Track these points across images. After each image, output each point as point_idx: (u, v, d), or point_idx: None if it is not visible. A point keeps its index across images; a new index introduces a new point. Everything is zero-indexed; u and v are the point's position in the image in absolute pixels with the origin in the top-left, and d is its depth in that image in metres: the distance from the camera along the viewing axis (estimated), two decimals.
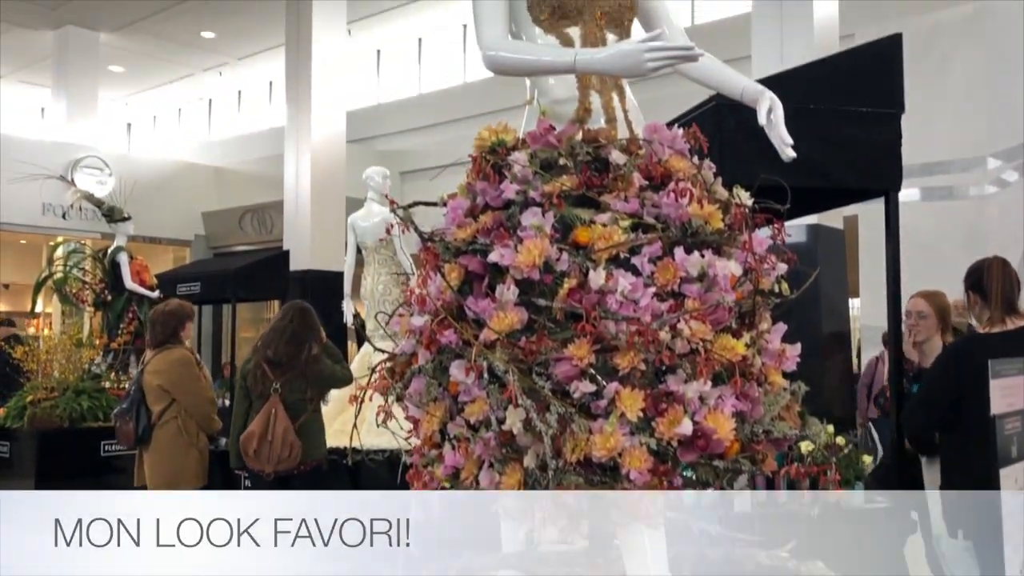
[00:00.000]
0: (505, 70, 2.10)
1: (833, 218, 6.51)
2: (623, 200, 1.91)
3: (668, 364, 1.74)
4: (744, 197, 2.07)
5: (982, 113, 6.91)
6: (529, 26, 2.18)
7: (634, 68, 1.94)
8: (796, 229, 6.25)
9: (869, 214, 6.78)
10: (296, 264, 9.98)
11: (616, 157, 1.94)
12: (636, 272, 1.84)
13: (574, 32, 2.16)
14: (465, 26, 14.21)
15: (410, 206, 2.09)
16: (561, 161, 1.96)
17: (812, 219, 6.14)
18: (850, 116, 3.71)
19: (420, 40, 15.05)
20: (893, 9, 9.37)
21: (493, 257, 1.87)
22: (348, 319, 6.95)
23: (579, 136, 2.05)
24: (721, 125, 3.53)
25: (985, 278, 3.17)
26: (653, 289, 1.80)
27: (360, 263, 6.91)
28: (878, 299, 5.65)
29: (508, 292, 1.83)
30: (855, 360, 7.61)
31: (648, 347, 1.71)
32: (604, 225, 1.87)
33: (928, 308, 4.14)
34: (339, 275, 7.26)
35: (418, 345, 1.97)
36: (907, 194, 6.15)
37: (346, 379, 4.64)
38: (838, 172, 3.71)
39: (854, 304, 8.17)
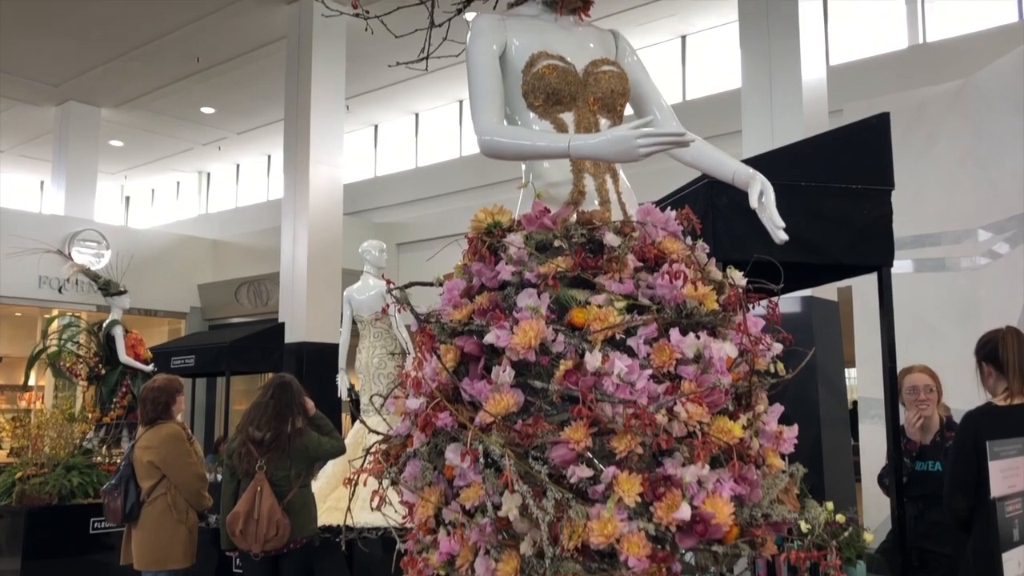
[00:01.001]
0: (501, 155, 2.13)
1: (827, 289, 6.54)
2: (618, 281, 1.92)
3: (665, 447, 1.73)
4: (738, 278, 2.09)
5: (971, 186, 7.00)
6: (524, 111, 2.22)
7: (627, 154, 1.97)
8: (790, 301, 6.28)
9: (863, 285, 6.81)
10: (291, 336, 9.96)
11: (610, 239, 1.96)
12: (632, 354, 1.84)
13: (568, 117, 2.20)
14: (461, 101, 14.47)
15: (406, 286, 2.10)
16: (556, 243, 1.98)
17: (806, 291, 6.16)
18: (841, 193, 3.75)
19: (417, 115, 15.30)
20: (880, 86, 9.59)
21: (489, 339, 1.87)
22: (343, 393, 6.91)
23: (574, 218, 2.07)
24: (714, 202, 3.57)
25: (1001, 349, 3.13)
26: (649, 371, 1.79)
27: (356, 336, 6.90)
28: (874, 370, 5.64)
29: (504, 374, 1.82)
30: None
31: (645, 430, 1.70)
32: (599, 306, 1.88)
33: (932, 381, 4.13)
34: (335, 347, 7.25)
35: (413, 427, 1.95)
36: (900, 266, 6.19)
37: (336, 450, 4.59)
38: (831, 249, 3.73)
39: (850, 374, 8.14)
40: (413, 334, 2.07)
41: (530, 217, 2.03)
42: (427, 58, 2.31)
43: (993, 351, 3.22)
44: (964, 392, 4.98)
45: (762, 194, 2.15)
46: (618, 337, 1.86)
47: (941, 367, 4.96)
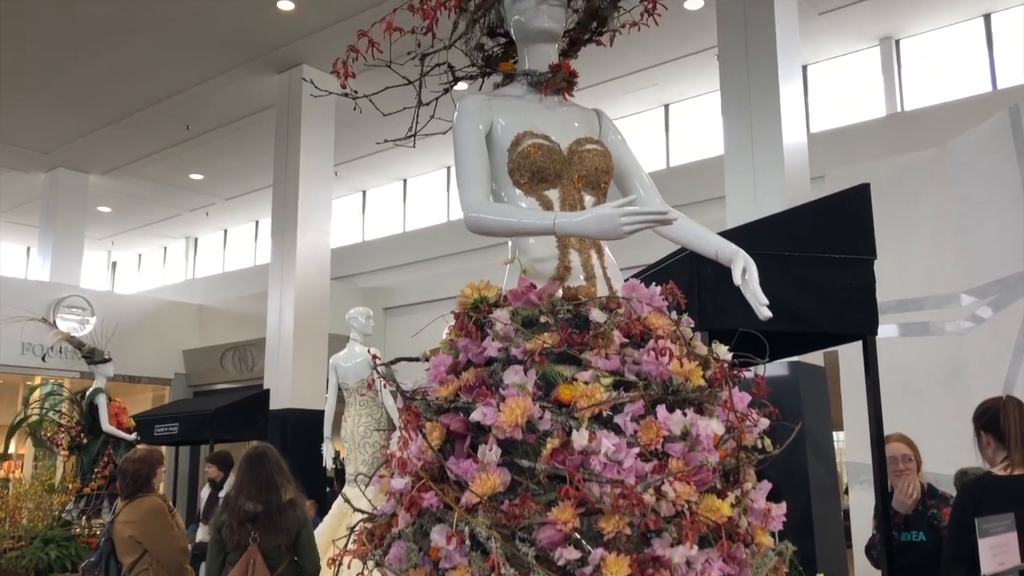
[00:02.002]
0: (487, 231, 2.15)
1: (814, 354, 6.56)
2: (604, 358, 1.92)
3: (654, 528, 1.71)
4: (723, 353, 2.09)
5: (952, 251, 7.09)
6: (510, 188, 2.25)
7: (611, 231, 2.00)
8: (777, 366, 6.29)
9: (849, 350, 6.84)
10: (277, 403, 9.87)
11: (596, 315, 1.97)
12: (619, 431, 1.83)
13: (553, 195, 2.23)
14: (448, 168, 14.62)
15: (392, 362, 2.09)
16: (543, 319, 1.98)
17: (793, 357, 6.18)
18: (825, 262, 3.79)
19: (405, 181, 15.44)
20: (860, 152, 9.77)
21: (475, 416, 1.86)
22: (328, 462, 6.83)
23: (560, 293, 2.09)
24: (699, 272, 3.60)
25: (1002, 419, 3.10)
26: (637, 449, 1.78)
27: (342, 403, 6.85)
28: (862, 434, 5.63)
29: (491, 453, 1.81)
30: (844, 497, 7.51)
31: (633, 510, 1.69)
32: (586, 383, 1.88)
33: (909, 450, 4.12)
34: (320, 414, 7.19)
35: (398, 507, 1.93)
36: (884, 330, 6.23)
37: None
38: (816, 318, 3.76)
39: (838, 437, 8.12)
40: (400, 409, 2.06)
41: (516, 293, 2.04)
42: (415, 135, 2.35)
43: (993, 420, 3.20)
44: (950, 456, 4.97)
45: (745, 271, 2.17)
46: (605, 414, 1.86)
47: (927, 431, 4.96)
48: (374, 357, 2.16)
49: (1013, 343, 6.65)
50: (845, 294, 3.79)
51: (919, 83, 10.80)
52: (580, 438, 1.78)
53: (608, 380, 1.89)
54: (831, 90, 11.43)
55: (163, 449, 7.56)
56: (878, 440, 3.76)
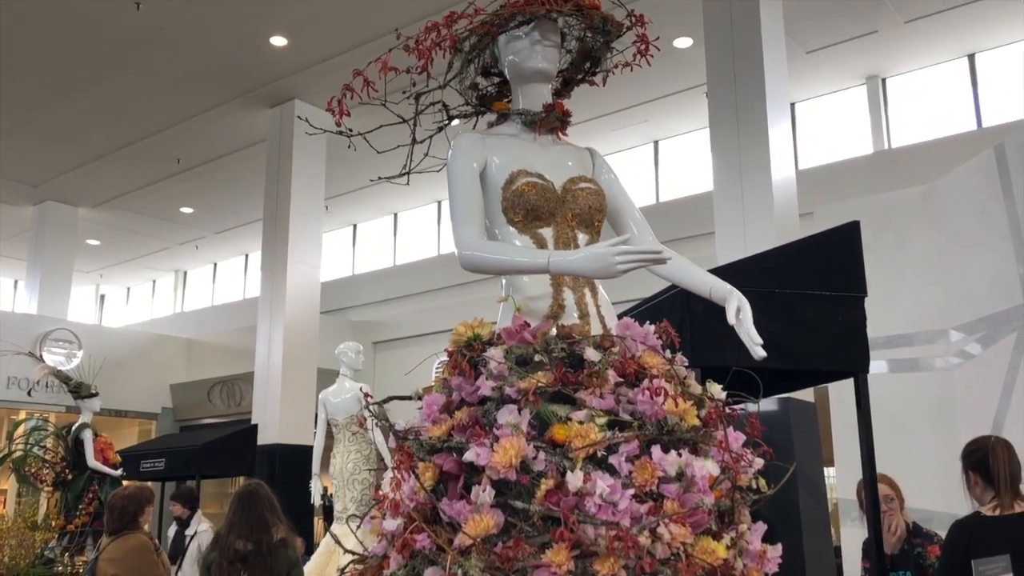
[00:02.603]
0: (480, 269, 2.15)
1: (804, 390, 6.55)
2: (599, 397, 1.91)
3: (649, 571, 1.69)
4: (717, 392, 2.09)
5: (941, 287, 7.13)
6: (504, 226, 2.26)
7: (605, 270, 2.01)
8: (768, 401, 6.28)
9: (839, 386, 6.84)
10: (264, 438, 9.78)
11: (591, 354, 1.96)
12: (613, 471, 1.82)
13: (547, 233, 2.24)
14: (440, 202, 14.66)
15: (384, 401, 2.08)
16: (536, 357, 1.98)
17: (783, 393, 6.17)
18: (816, 300, 3.80)
19: (396, 215, 15.47)
20: (848, 190, 9.85)
21: (469, 456, 1.85)
22: (316, 499, 6.76)
23: (553, 332, 2.08)
24: (691, 308, 3.60)
25: (991, 460, 3.12)
26: (632, 491, 1.77)
27: (331, 438, 6.80)
28: (852, 470, 5.62)
29: (484, 494, 1.79)
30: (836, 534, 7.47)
31: (628, 553, 1.67)
32: (580, 422, 1.87)
33: (891, 490, 4.11)
34: (309, 449, 7.13)
35: (390, 548, 1.90)
36: (874, 366, 6.22)
37: None
38: (807, 355, 3.75)
39: (829, 472, 8.09)
40: (392, 449, 2.04)
41: (510, 331, 2.04)
42: (408, 173, 2.36)
43: (981, 461, 3.21)
44: (941, 493, 4.96)
45: (739, 310, 2.18)
46: (599, 454, 1.85)
47: (915, 468, 4.95)
48: (366, 395, 2.14)
49: (1002, 380, 6.66)
50: (837, 331, 3.80)
51: (906, 121, 10.93)
52: (575, 479, 1.76)
53: (603, 420, 1.88)
54: (819, 127, 11.55)
55: (151, 485, 7.46)
56: (871, 480, 3.75)
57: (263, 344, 10.59)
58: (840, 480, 7.82)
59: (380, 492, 2.01)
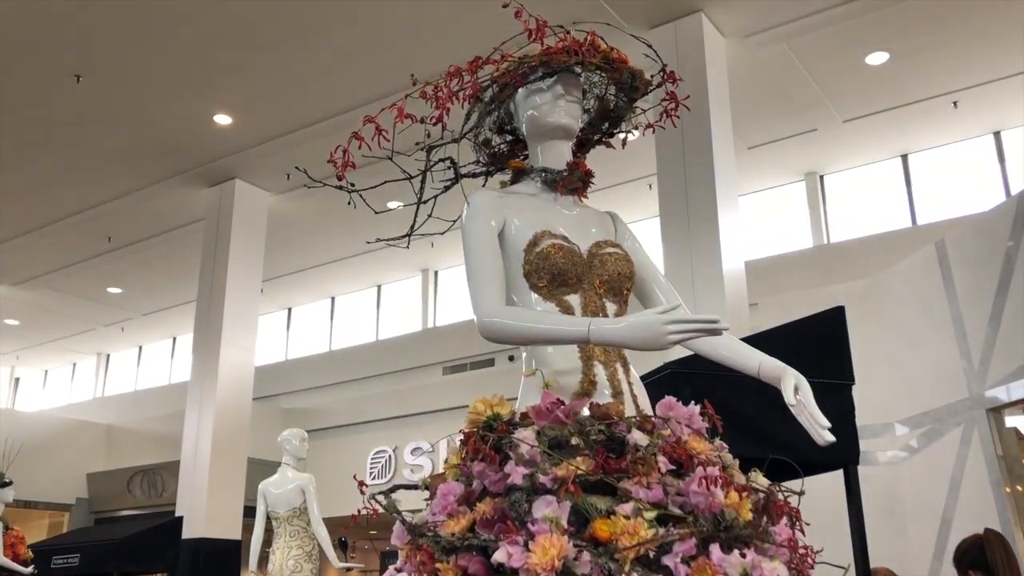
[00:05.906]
0: (507, 338, 1.90)
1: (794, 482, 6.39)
2: (646, 487, 1.67)
3: None
4: (762, 481, 1.87)
5: (885, 381, 7.11)
6: (525, 292, 2.03)
7: (653, 341, 1.77)
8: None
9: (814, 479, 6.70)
10: (189, 532, 9.17)
11: (638, 437, 1.72)
12: (668, 574, 1.57)
13: (574, 300, 2.01)
14: (380, 287, 14.39)
15: (391, 491, 1.80)
16: (573, 440, 1.73)
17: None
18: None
19: (333, 299, 15.12)
20: (790, 282, 9.96)
21: (499, 556, 1.58)
22: None
23: (585, 411, 1.84)
24: (677, 393, 3.42)
25: (988, 554, 3.03)
26: None
27: (269, 532, 6.36)
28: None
29: None
30: None
31: None
32: (627, 517, 1.62)
33: None
34: (237, 544, 6.66)
35: None
36: None
37: None
38: (799, 445, 3.59)
39: None
40: (401, 547, 1.76)
41: (540, 410, 1.78)
42: (409, 235, 2.14)
43: (979, 558, 3.11)
44: None
45: (797, 389, 1.98)
46: (650, 554, 1.60)
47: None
48: (360, 483, 1.85)
49: (949, 475, 6.62)
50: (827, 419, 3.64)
51: (844, 217, 11.19)
52: None
53: (651, 514, 1.63)
54: (760, 221, 11.74)
55: None
56: (864, 573, 3.58)
57: (191, 430, 10.05)
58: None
59: None
